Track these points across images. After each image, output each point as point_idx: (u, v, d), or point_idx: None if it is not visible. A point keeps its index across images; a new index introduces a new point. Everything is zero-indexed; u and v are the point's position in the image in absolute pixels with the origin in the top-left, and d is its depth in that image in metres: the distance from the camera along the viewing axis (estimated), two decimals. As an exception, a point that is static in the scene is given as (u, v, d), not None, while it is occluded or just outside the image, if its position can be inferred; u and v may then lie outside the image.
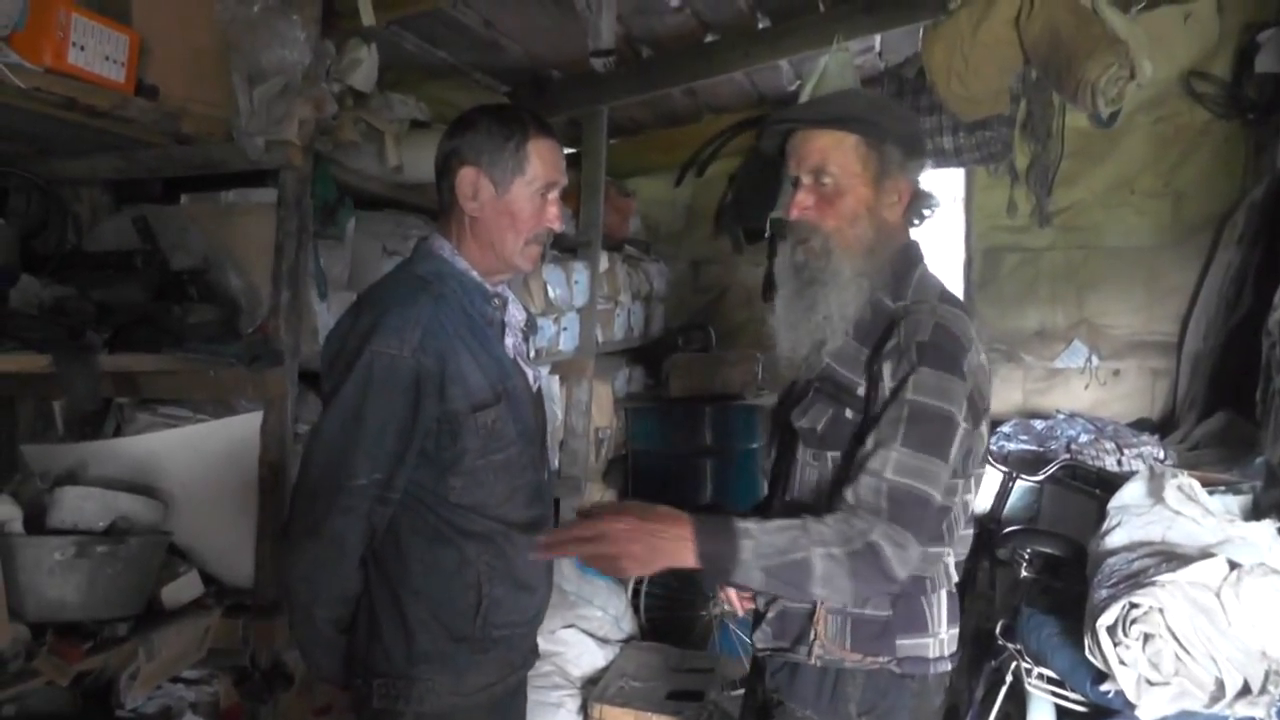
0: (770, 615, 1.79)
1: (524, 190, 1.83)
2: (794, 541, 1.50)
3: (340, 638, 1.81)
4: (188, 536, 2.30)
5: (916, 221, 1.78)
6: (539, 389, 2.02)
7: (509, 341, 1.91)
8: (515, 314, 1.95)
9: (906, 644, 1.68)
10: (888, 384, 1.60)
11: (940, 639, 1.71)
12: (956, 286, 4.52)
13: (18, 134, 2.19)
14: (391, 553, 1.79)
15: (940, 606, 1.71)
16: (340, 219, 2.69)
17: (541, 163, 1.84)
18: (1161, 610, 2.07)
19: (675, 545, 1.50)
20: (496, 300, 1.90)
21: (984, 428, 1.69)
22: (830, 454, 1.71)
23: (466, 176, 1.82)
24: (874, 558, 1.49)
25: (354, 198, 2.79)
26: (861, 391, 1.66)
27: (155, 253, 2.31)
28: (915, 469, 1.54)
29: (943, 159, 3.84)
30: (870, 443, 1.58)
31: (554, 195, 1.88)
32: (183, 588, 2.23)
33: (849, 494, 1.55)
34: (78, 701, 2.25)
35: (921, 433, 1.56)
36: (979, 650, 2.78)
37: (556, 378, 4.25)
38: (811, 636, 1.70)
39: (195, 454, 2.30)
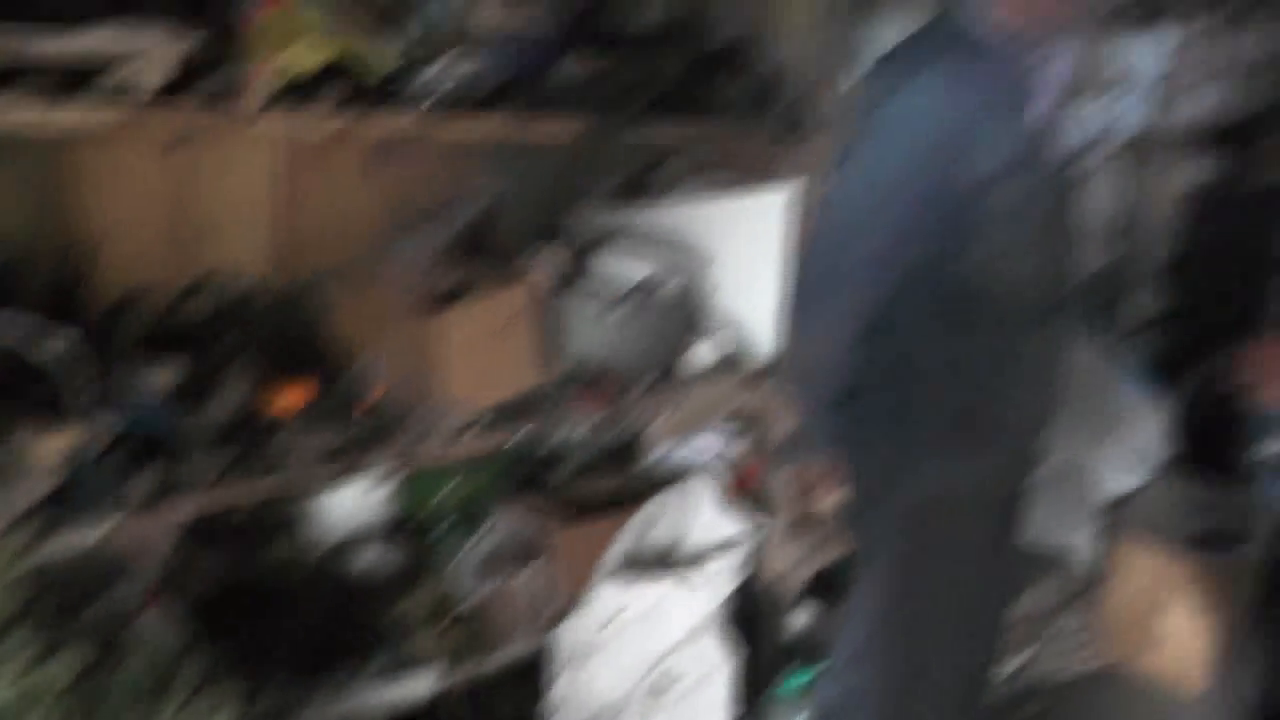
0: None
1: None
2: None
3: (838, 413, 1.77)
4: (715, 301, 2.37)
5: None
6: (1065, 169, 1.81)
7: (1038, 111, 1.68)
8: (1048, 82, 1.71)
9: None
10: None
11: None
12: None
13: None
14: (893, 331, 1.69)
15: None
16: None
17: None
18: None
19: None
20: (1032, 64, 1.68)
21: None
22: None
23: None
24: None
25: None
26: None
27: (690, 28, 2.31)
28: None
29: None
30: None
31: None
32: (707, 349, 2.32)
33: None
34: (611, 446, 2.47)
35: None
36: None
37: (1119, 162, 3.78)
38: None
39: (727, 222, 2.33)
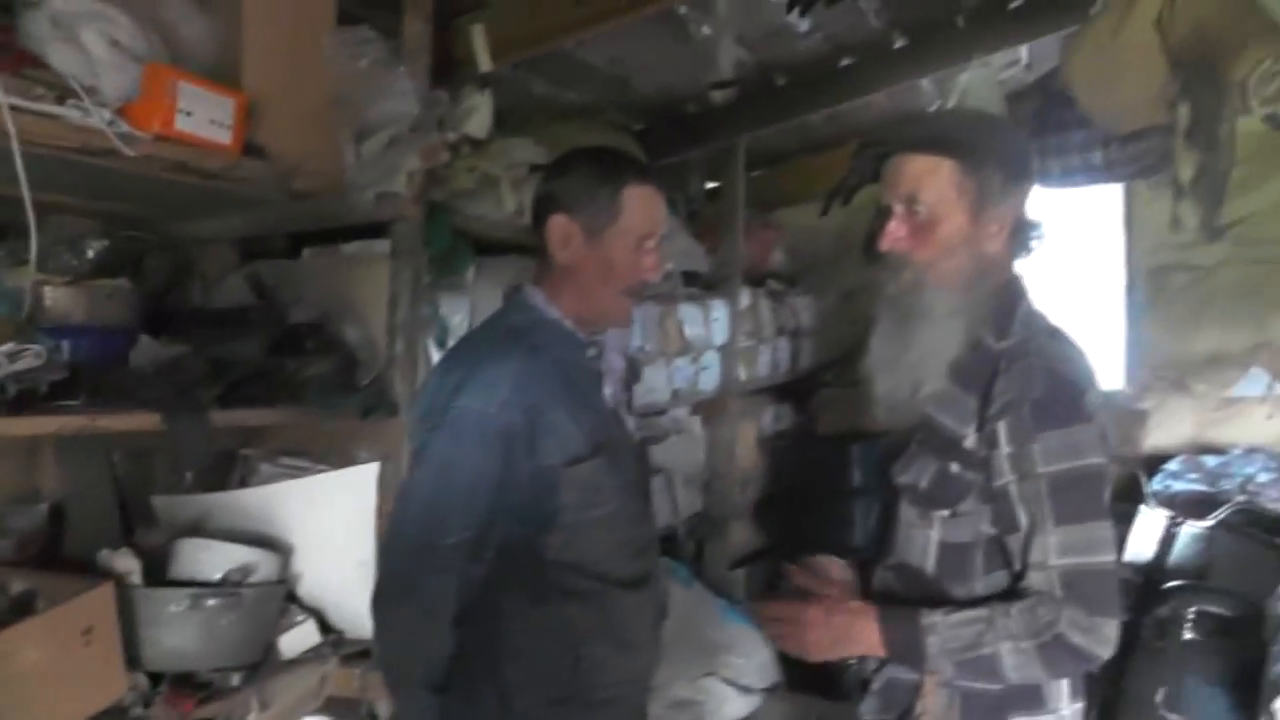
0: (876, 686, 1.66)
1: (618, 240, 1.76)
2: (980, 636, 1.46)
3: (435, 698, 1.73)
4: (307, 586, 2.32)
5: (1022, 253, 1.63)
6: (640, 440, 1.96)
7: (607, 391, 1.85)
8: (613, 363, 1.89)
9: None
10: (1008, 450, 1.48)
11: (1061, 716, 1.55)
12: (1118, 311, 4.24)
13: (145, 198, 2.27)
14: (487, 612, 1.73)
15: (1061, 679, 1.54)
16: (458, 266, 2.70)
17: (637, 211, 1.77)
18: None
19: (863, 636, 1.55)
20: (592, 350, 1.83)
21: None
22: (938, 513, 1.58)
23: (558, 224, 1.76)
24: (1064, 648, 1.43)
25: (476, 244, 2.79)
26: (969, 444, 1.52)
27: (270, 308, 2.37)
28: (1080, 544, 1.45)
29: (1094, 175, 3.54)
30: (1022, 532, 1.48)
31: (651, 245, 1.80)
32: (300, 637, 2.25)
33: (1029, 583, 1.48)
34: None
35: (1071, 502, 1.45)
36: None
37: (698, 418, 4.18)
38: (918, 712, 1.57)
39: (314, 504, 2.33)
